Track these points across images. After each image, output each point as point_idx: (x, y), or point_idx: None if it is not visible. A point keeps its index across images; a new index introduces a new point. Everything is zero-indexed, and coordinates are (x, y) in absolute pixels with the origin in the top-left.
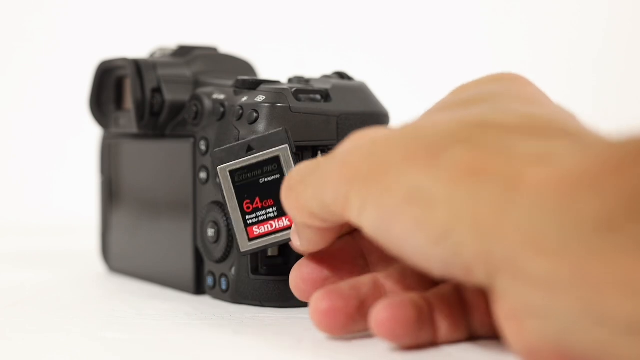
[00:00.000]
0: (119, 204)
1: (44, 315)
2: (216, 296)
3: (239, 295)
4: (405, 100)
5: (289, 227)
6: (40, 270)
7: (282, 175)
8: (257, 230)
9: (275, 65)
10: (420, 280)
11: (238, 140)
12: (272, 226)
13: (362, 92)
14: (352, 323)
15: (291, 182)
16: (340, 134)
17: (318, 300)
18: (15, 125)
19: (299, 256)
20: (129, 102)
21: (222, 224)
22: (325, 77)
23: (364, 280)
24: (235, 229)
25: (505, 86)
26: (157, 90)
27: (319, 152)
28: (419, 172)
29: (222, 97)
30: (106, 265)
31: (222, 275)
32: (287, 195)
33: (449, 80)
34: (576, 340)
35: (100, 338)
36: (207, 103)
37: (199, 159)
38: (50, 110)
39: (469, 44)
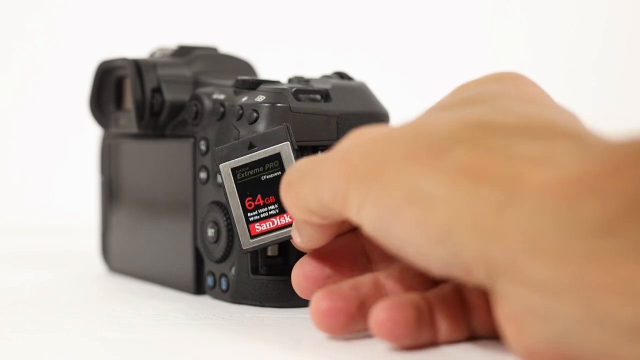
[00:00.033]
0: (119, 204)
1: (44, 315)
2: (216, 296)
3: (239, 295)
4: (405, 100)
5: (291, 224)
6: (40, 270)
7: (284, 172)
8: (258, 227)
9: (275, 65)
10: (420, 280)
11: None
12: (273, 223)
13: (362, 92)
14: (352, 323)
15: (290, 179)
16: (340, 134)
17: (318, 300)
18: (15, 125)
19: (299, 256)
20: (129, 102)
21: (222, 224)
22: (325, 77)
23: (365, 280)
24: (237, 226)
25: (506, 86)
26: (157, 90)
27: (319, 152)
28: (419, 172)
29: (222, 97)
30: (106, 265)
31: (222, 275)
32: (286, 191)
33: (449, 80)
34: (576, 343)
35: (100, 338)
36: (207, 103)
37: (199, 159)
38: (50, 110)
39: (469, 44)
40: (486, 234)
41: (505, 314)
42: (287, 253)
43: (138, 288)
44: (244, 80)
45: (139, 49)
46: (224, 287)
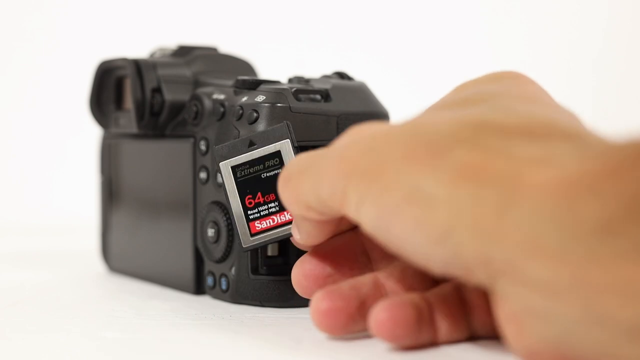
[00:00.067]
0: (119, 204)
1: (44, 315)
2: (216, 296)
3: (239, 295)
4: (405, 100)
5: (291, 222)
6: (40, 270)
7: None
8: (259, 225)
9: (275, 65)
10: (421, 279)
11: None
12: (273, 221)
13: (362, 92)
14: (352, 323)
15: (288, 174)
16: (340, 134)
17: (318, 301)
18: (15, 125)
19: (299, 256)
20: (129, 102)
21: (222, 224)
22: (325, 77)
23: (365, 280)
24: (237, 224)
25: (506, 85)
26: (157, 90)
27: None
28: (419, 172)
29: (222, 97)
30: (106, 265)
31: (222, 275)
32: (284, 186)
33: (449, 80)
34: (576, 343)
35: (100, 338)
36: (207, 103)
37: (199, 159)
38: (50, 110)
39: (469, 43)
40: (486, 235)
41: (505, 314)
42: (287, 253)
43: (138, 288)
44: (244, 80)
45: (139, 49)
46: (224, 287)
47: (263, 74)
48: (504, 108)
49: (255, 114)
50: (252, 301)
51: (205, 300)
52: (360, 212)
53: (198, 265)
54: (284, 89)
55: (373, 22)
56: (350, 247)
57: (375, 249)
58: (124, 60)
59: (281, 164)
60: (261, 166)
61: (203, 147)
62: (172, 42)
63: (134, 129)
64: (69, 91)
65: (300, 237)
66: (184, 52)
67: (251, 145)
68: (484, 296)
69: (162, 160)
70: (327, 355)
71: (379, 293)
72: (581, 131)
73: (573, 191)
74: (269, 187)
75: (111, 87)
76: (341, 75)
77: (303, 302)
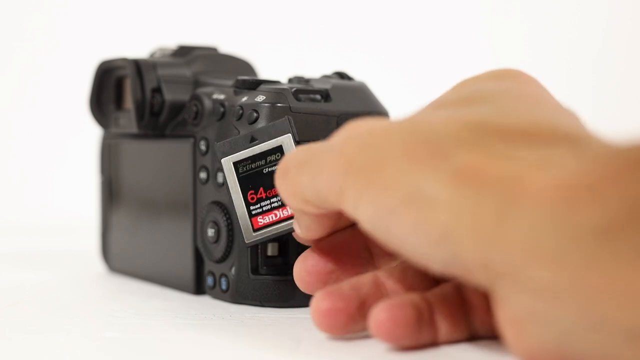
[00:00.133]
0: (119, 204)
1: (44, 315)
2: (216, 296)
3: (239, 295)
4: (405, 100)
5: (293, 216)
6: (40, 270)
7: None
8: (261, 220)
9: (275, 65)
10: (421, 279)
11: None
12: (276, 216)
13: (362, 92)
14: (352, 323)
15: (286, 167)
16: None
17: (319, 301)
18: (15, 125)
19: (299, 255)
20: (129, 102)
21: (222, 224)
22: (325, 77)
23: (365, 280)
24: (239, 220)
25: (507, 84)
26: (157, 90)
27: None
28: (419, 172)
29: (222, 97)
30: (106, 265)
31: (222, 275)
32: (282, 180)
33: (449, 80)
34: (576, 346)
35: (100, 338)
36: (207, 103)
37: (199, 159)
38: (50, 110)
39: (469, 44)
40: (486, 238)
41: (505, 317)
42: (287, 253)
43: (138, 288)
44: (244, 80)
45: (139, 49)
46: (224, 287)
47: (263, 74)
48: (505, 109)
49: (255, 114)
50: (252, 301)
51: (205, 300)
52: (358, 209)
53: (198, 265)
54: (284, 89)
55: (373, 22)
56: (352, 243)
57: (377, 245)
58: (124, 60)
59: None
60: (263, 161)
61: (203, 147)
62: (172, 42)
63: (134, 129)
64: (69, 91)
65: (300, 231)
66: (184, 52)
67: (253, 140)
68: (484, 296)
69: (162, 160)
70: (327, 355)
71: (379, 293)
72: (582, 133)
73: (573, 195)
74: (271, 182)
75: (111, 87)
76: (341, 75)
77: (303, 302)
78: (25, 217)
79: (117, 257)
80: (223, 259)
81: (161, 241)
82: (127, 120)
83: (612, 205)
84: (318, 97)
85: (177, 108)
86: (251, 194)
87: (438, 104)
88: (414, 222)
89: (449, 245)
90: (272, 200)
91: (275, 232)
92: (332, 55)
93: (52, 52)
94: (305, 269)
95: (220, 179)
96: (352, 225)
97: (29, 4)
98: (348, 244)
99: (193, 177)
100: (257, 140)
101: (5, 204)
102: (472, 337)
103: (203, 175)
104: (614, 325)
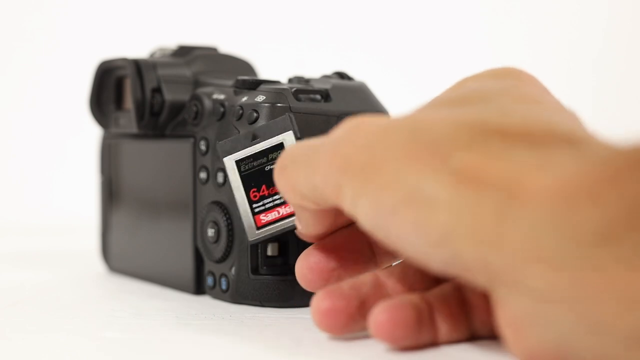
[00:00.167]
0: (119, 204)
1: (44, 315)
2: (216, 296)
3: (239, 295)
4: (405, 100)
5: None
6: (40, 270)
7: None
8: (264, 218)
9: (275, 65)
10: (422, 278)
11: None
12: (279, 213)
13: (362, 92)
14: (353, 323)
15: (284, 162)
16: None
17: (319, 300)
18: (15, 125)
19: (299, 255)
20: (129, 102)
21: (222, 224)
22: (325, 77)
23: (365, 280)
24: (242, 218)
25: (507, 84)
26: (157, 90)
27: None
28: (419, 172)
29: (222, 97)
30: (106, 265)
31: (222, 275)
32: (280, 175)
33: (449, 80)
34: (575, 348)
35: (100, 338)
36: (207, 103)
37: (199, 159)
38: (50, 110)
39: (469, 44)
40: (485, 240)
41: (505, 318)
42: (287, 253)
43: (138, 288)
44: (244, 80)
45: (139, 49)
46: (224, 287)
47: (263, 74)
48: (505, 109)
49: (255, 114)
50: (252, 301)
51: (205, 300)
52: (357, 207)
53: (198, 265)
54: (284, 89)
55: (373, 22)
56: (354, 241)
57: (379, 243)
58: (124, 60)
59: None
60: (265, 159)
61: (203, 147)
62: (172, 42)
63: (134, 129)
64: (69, 91)
65: (301, 227)
66: (184, 52)
67: (254, 138)
68: (484, 296)
69: (162, 160)
70: (327, 355)
71: (379, 292)
72: (582, 134)
73: (572, 197)
74: (273, 180)
75: (111, 87)
76: (341, 75)
77: (303, 302)
78: (25, 217)
79: (117, 257)
80: (223, 259)
81: (161, 241)
82: (127, 120)
83: (612, 207)
84: (318, 97)
85: (177, 108)
86: (254, 191)
87: (438, 103)
88: (414, 222)
89: (448, 246)
90: (274, 198)
91: (279, 229)
92: (332, 55)
93: (52, 52)
94: (307, 267)
95: (220, 179)
96: (354, 223)
97: (29, 4)
98: (350, 242)
99: (193, 177)
100: (258, 138)
101: (5, 204)
102: (472, 337)
103: (203, 175)
104: (613, 327)
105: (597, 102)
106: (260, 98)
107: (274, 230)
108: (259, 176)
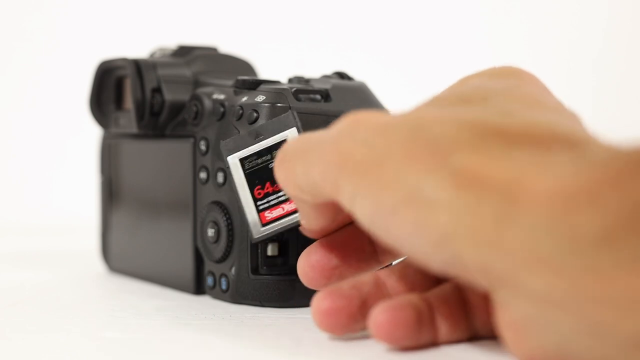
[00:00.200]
0: (119, 204)
1: (44, 315)
2: (216, 296)
3: (239, 295)
4: (405, 100)
5: None
6: (40, 270)
7: None
8: (269, 215)
9: (275, 65)
10: (422, 278)
11: None
12: (283, 209)
13: (362, 92)
14: (353, 322)
15: (284, 155)
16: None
17: (320, 300)
18: (15, 125)
19: (299, 255)
20: (129, 102)
21: (222, 224)
22: (325, 77)
23: (366, 279)
24: (247, 216)
25: (508, 83)
26: (157, 90)
27: None
28: (419, 172)
29: (222, 97)
30: (106, 265)
31: (222, 275)
32: (279, 167)
33: (449, 80)
34: (575, 352)
35: (100, 338)
36: (207, 103)
37: (199, 159)
38: (50, 110)
39: (469, 44)
40: (485, 243)
41: (505, 320)
42: (287, 253)
43: (138, 288)
44: (244, 80)
45: (139, 49)
46: (224, 287)
47: (263, 74)
48: (505, 109)
49: (255, 114)
50: (252, 301)
51: (205, 300)
52: (355, 205)
53: (198, 265)
54: (284, 89)
55: (373, 22)
56: (356, 239)
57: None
58: (124, 60)
59: None
60: (269, 156)
61: (203, 147)
62: (172, 42)
63: (134, 129)
64: (69, 91)
65: (303, 221)
66: (184, 52)
67: (258, 136)
68: (485, 296)
69: (162, 160)
70: (327, 355)
71: (380, 292)
72: (582, 136)
73: (572, 201)
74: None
75: (111, 87)
76: (341, 75)
77: (303, 302)
78: (25, 217)
79: (117, 257)
80: (223, 259)
81: (161, 241)
82: (127, 120)
83: (612, 210)
84: (318, 97)
85: (177, 108)
86: (258, 189)
87: (439, 100)
88: (413, 223)
89: (448, 247)
90: (279, 195)
91: (283, 225)
92: (332, 55)
93: (52, 52)
94: (309, 264)
95: (220, 179)
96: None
97: (29, 4)
98: (352, 239)
99: (193, 177)
100: (262, 136)
101: (5, 204)
102: (472, 337)
103: (203, 175)
104: (613, 330)
105: (597, 102)
106: (260, 98)
107: (279, 227)
108: (263, 173)
